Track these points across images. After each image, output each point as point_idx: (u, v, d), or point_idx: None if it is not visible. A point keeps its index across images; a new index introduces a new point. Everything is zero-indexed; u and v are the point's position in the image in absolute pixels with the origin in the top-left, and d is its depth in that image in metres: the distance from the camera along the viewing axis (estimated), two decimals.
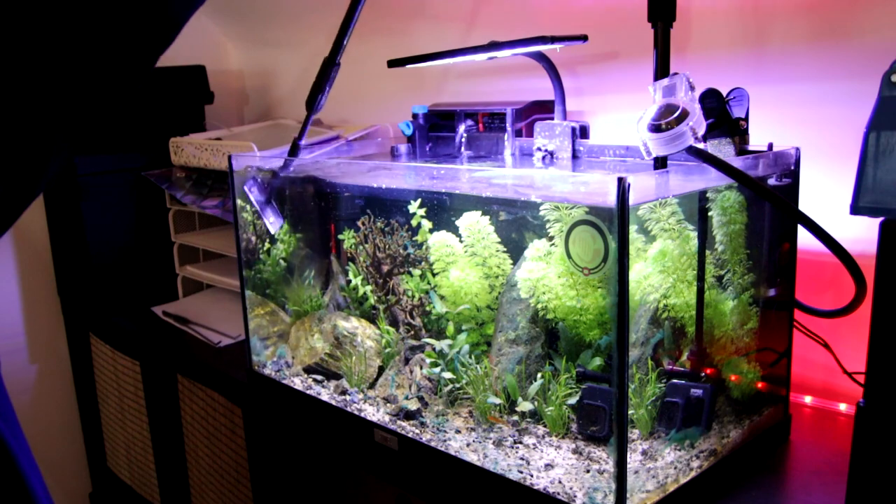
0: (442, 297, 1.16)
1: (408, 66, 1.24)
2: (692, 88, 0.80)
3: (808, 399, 1.15)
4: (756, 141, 0.96)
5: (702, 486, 0.88)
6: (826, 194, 1.07)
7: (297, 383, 1.22)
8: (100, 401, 1.93)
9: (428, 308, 1.19)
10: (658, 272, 0.96)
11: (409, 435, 1.02)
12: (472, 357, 1.09)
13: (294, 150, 1.18)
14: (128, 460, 1.87)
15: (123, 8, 0.57)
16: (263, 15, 2.02)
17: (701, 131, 0.78)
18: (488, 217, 1.12)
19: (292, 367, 1.28)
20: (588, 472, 0.89)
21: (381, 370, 1.20)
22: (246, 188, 1.19)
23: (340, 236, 1.31)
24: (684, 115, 0.77)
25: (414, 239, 1.18)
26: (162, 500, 1.77)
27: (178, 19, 0.61)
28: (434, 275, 1.17)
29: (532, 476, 0.89)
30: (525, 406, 1.01)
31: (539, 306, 1.04)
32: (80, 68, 0.57)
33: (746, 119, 0.95)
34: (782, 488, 0.93)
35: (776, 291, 1.02)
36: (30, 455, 0.65)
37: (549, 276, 1.02)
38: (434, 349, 1.13)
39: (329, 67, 1.14)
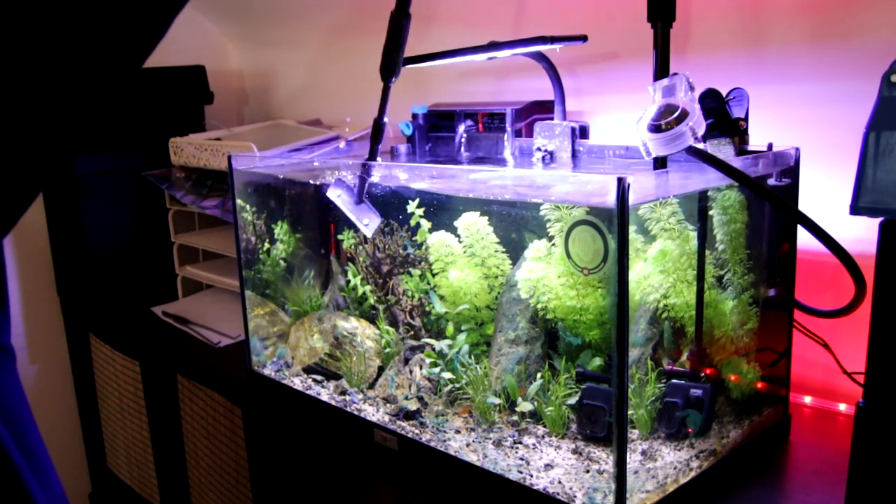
0: (441, 298, 1.16)
1: (408, 66, 1.23)
2: (692, 88, 0.80)
3: (807, 399, 1.15)
4: (756, 141, 0.96)
5: (701, 487, 0.88)
6: (826, 194, 1.07)
7: (297, 383, 1.22)
8: (100, 401, 1.93)
9: (427, 308, 1.19)
10: (658, 272, 0.96)
11: (409, 435, 1.02)
12: (472, 357, 1.09)
13: (377, 132, 1.05)
14: (127, 460, 1.87)
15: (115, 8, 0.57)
16: (263, 15, 2.02)
17: (701, 131, 0.78)
18: (491, 220, 1.12)
19: (292, 368, 1.28)
20: (588, 472, 0.89)
21: (380, 370, 1.20)
22: (331, 195, 1.06)
23: (340, 236, 1.31)
24: (684, 115, 0.77)
25: (413, 239, 1.18)
26: (162, 500, 1.77)
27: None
28: (433, 275, 1.17)
29: (532, 476, 0.89)
30: (525, 406, 1.01)
31: (539, 306, 1.04)
32: (72, 61, 0.57)
33: (746, 119, 0.95)
34: (782, 488, 0.93)
35: (776, 291, 1.02)
36: (40, 466, 0.64)
37: (549, 276, 1.02)
38: (434, 349, 1.13)
39: (401, 22, 1.00)
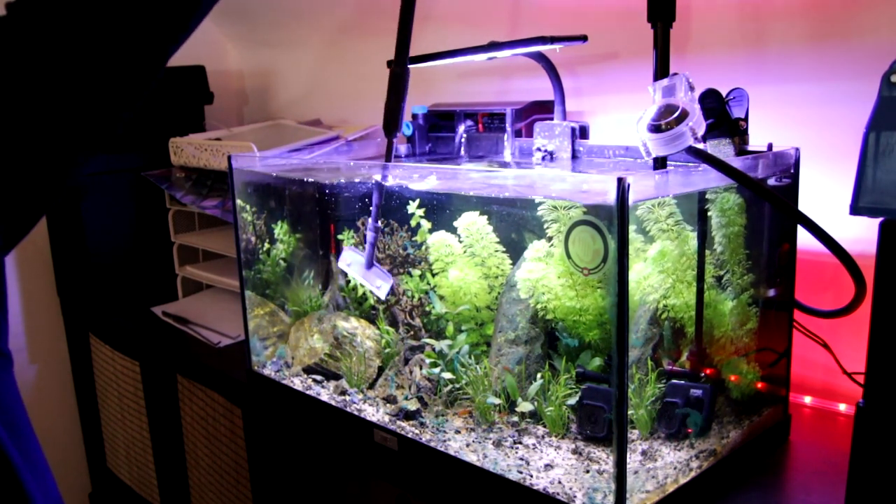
0: (441, 298, 1.16)
1: (408, 66, 1.24)
2: (692, 89, 0.80)
3: (807, 399, 1.15)
4: (756, 141, 0.96)
5: (701, 487, 0.88)
6: (826, 194, 1.07)
7: (297, 384, 1.22)
8: (100, 401, 1.93)
9: (427, 308, 1.19)
10: (657, 273, 0.96)
11: (409, 435, 1.02)
12: (472, 357, 1.09)
13: (380, 192, 1.07)
14: (127, 460, 1.87)
15: (129, 20, 0.58)
16: (263, 15, 2.02)
17: (700, 131, 0.78)
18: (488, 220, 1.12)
19: (292, 368, 1.28)
20: (588, 472, 0.89)
21: (380, 370, 1.20)
22: (342, 265, 1.08)
23: (340, 236, 1.31)
24: (684, 115, 0.77)
25: (413, 239, 1.18)
26: (162, 500, 1.77)
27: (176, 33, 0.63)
28: (433, 275, 1.17)
29: (532, 476, 0.89)
30: (525, 406, 1.01)
31: (538, 307, 1.04)
32: (85, 76, 0.58)
33: (746, 119, 0.95)
34: (782, 488, 0.93)
35: (776, 292, 1.02)
36: (33, 457, 0.65)
37: (548, 276, 1.02)
38: (434, 349, 1.13)
39: (402, 75, 1.00)
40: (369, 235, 1.07)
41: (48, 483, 0.66)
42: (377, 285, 1.06)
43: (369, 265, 1.07)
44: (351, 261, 1.07)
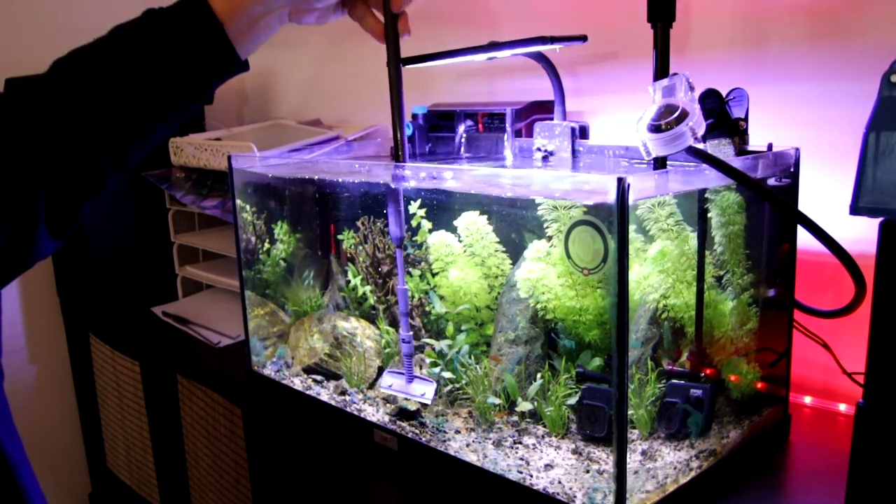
0: (441, 298, 1.16)
1: (408, 66, 1.24)
2: (692, 89, 0.80)
3: (807, 399, 1.15)
4: (756, 141, 0.96)
5: (701, 487, 0.88)
6: (826, 194, 1.07)
7: (297, 384, 1.22)
8: (99, 401, 1.93)
9: (427, 308, 1.19)
10: (657, 272, 0.96)
11: (409, 435, 1.02)
12: (472, 357, 1.09)
13: (403, 301, 1.12)
14: (127, 460, 1.87)
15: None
16: None
17: (700, 131, 0.78)
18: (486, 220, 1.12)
19: (292, 368, 1.28)
20: (588, 472, 0.89)
21: (380, 370, 1.20)
22: (384, 388, 1.10)
23: (340, 236, 1.31)
24: (684, 115, 0.77)
25: (413, 239, 1.18)
26: (161, 500, 1.77)
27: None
28: (433, 275, 1.17)
29: (532, 476, 0.89)
30: (525, 406, 1.01)
31: (538, 306, 1.04)
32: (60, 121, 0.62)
33: (746, 119, 0.95)
34: (782, 488, 0.93)
35: (776, 292, 1.02)
36: (24, 456, 0.66)
37: (548, 276, 1.02)
38: (434, 349, 1.13)
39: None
40: (404, 347, 1.09)
41: (32, 474, 0.67)
42: (421, 394, 1.07)
43: (410, 379, 1.09)
44: (391, 382, 1.10)
